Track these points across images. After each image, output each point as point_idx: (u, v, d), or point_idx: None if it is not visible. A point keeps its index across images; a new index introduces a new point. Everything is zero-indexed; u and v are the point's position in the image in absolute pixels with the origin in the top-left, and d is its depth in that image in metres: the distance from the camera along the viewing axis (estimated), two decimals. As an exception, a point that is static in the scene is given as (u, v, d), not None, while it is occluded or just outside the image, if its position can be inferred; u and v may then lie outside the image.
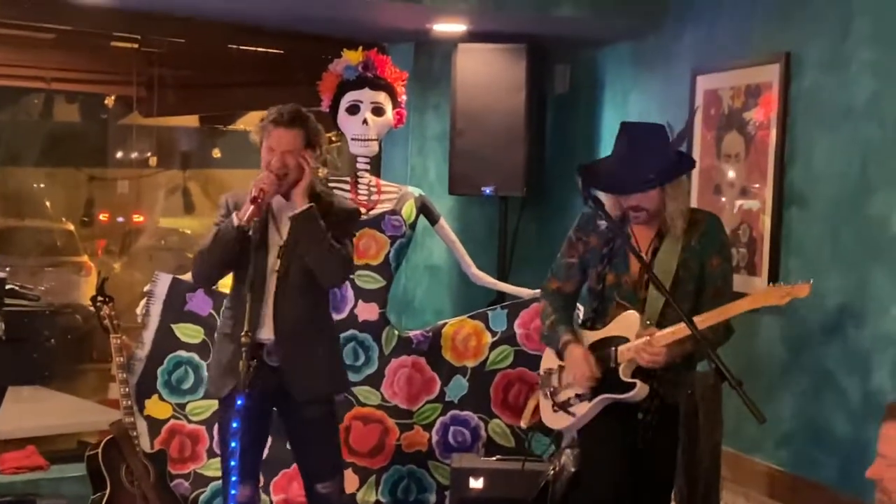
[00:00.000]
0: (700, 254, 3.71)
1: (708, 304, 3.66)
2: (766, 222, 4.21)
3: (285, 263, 3.81)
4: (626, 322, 3.70)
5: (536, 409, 4.02)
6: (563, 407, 3.82)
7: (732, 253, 3.90)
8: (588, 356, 3.71)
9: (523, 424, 4.23)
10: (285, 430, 4.03)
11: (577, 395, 3.76)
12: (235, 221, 3.72)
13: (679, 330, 3.52)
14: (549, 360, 3.94)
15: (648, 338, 3.59)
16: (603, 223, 3.76)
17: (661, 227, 3.73)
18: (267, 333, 3.81)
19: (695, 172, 4.65)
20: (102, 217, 12.75)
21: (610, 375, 3.69)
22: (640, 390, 3.64)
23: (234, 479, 3.59)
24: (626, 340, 3.67)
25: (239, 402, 3.50)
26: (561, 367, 3.85)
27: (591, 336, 3.78)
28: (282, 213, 3.89)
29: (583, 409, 3.75)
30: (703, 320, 3.51)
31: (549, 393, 3.88)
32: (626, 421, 3.73)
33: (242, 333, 3.56)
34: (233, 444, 3.52)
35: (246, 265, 3.76)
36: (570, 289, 3.90)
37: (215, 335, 4.05)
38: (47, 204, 12.21)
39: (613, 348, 3.69)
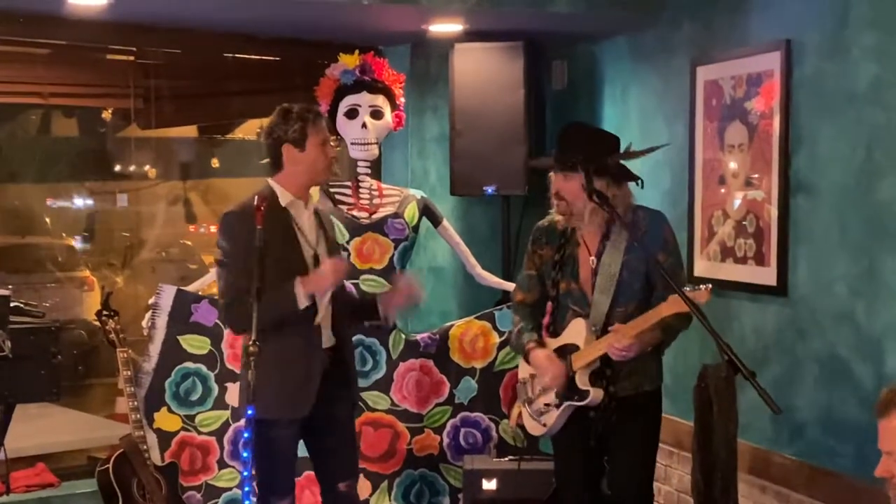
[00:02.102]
0: (643, 253, 3.77)
1: (660, 299, 3.69)
2: (773, 212, 4.19)
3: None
4: (576, 329, 3.84)
5: (521, 413, 4.11)
6: (537, 416, 3.95)
7: (678, 246, 3.91)
8: (551, 356, 3.86)
9: (511, 424, 4.27)
10: (312, 433, 4.01)
11: (546, 405, 3.89)
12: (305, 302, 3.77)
13: (643, 320, 3.62)
14: (523, 369, 4.07)
15: (615, 333, 3.68)
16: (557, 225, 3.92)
17: (606, 231, 3.83)
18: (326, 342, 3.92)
19: (698, 164, 4.65)
20: (191, 228, 12.79)
21: (569, 384, 3.82)
22: (595, 395, 3.77)
23: (247, 488, 3.55)
24: (578, 348, 3.80)
25: (250, 412, 3.47)
26: (533, 376, 3.99)
27: (553, 343, 3.92)
28: (301, 217, 3.91)
29: (552, 418, 3.88)
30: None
31: (525, 402, 4.02)
32: (582, 423, 3.86)
33: (250, 343, 3.53)
34: (245, 454, 3.49)
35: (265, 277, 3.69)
36: (532, 299, 4.04)
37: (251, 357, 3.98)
38: (46, 220, 12.17)
39: (569, 356, 3.82)
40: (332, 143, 3.97)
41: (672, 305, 3.53)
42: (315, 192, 4.94)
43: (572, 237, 3.91)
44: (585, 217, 3.82)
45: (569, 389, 3.82)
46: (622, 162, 3.87)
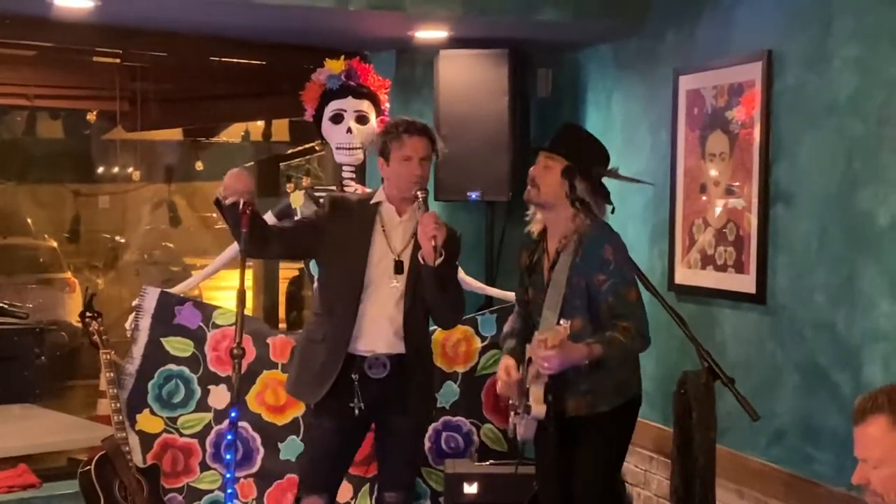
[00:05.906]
0: (584, 271, 3.79)
1: (605, 320, 3.74)
2: (753, 220, 4.22)
3: (412, 284, 3.93)
4: (534, 342, 3.82)
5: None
6: (516, 422, 3.97)
7: (623, 269, 3.76)
8: (509, 366, 3.91)
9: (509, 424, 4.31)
10: (375, 438, 4.18)
11: (517, 413, 3.92)
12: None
13: (557, 333, 3.59)
14: None
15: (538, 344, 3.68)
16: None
17: (561, 243, 3.86)
18: (380, 347, 3.94)
19: (679, 172, 4.68)
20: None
21: (526, 396, 3.84)
22: (537, 410, 3.75)
23: (230, 491, 3.57)
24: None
25: (233, 415, 3.49)
26: None
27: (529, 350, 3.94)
28: (392, 222, 3.98)
29: (521, 427, 3.90)
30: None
31: (511, 406, 4.04)
32: (542, 434, 3.88)
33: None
34: (227, 457, 3.51)
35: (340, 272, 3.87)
36: (523, 297, 4.09)
37: (300, 339, 4.14)
38: (28, 221, 12.14)
39: (528, 369, 3.84)
40: (421, 160, 3.93)
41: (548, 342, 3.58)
42: (299, 196, 4.98)
43: (540, 245, 3.96)
44: (558, 212, 3.84)
45: (525, 402, 3.84)
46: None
